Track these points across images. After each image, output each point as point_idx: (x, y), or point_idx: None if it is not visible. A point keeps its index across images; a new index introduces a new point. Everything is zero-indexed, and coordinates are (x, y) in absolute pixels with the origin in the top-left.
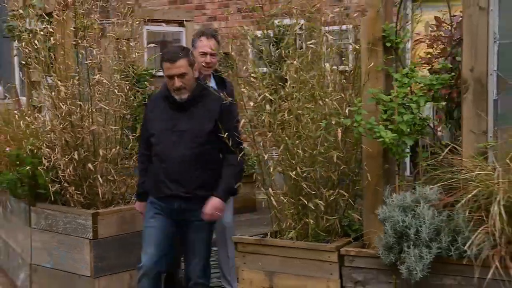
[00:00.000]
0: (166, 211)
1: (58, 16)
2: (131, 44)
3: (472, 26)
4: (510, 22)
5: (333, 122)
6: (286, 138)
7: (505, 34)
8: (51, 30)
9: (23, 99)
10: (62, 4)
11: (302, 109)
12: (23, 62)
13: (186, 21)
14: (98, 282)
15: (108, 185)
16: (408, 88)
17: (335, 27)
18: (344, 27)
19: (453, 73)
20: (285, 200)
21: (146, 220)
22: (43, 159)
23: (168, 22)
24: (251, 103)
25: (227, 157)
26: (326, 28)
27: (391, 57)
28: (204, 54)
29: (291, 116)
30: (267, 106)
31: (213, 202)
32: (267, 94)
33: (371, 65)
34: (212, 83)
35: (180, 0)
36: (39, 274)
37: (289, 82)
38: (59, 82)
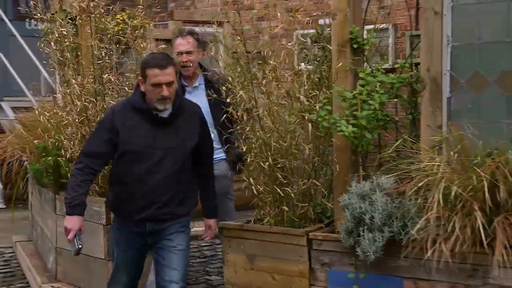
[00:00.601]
0: (138, 235)
1: (80, 20)
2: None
3: (428, 29)
4: (461, 26)
5: (306, 117)
6: (261, 131)
7: (457, 37)
8: (73, 32)
9: (59, 96)
10: (80, 8)
11: (277, 105)
12: (57, 61)
13: (225, 22)
14: (111, 265)
15: None
16: (373, 86)
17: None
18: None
19: (411, 73)
20: (261, 189)
21: (117, 245)
22: (64, 151)
23: (206, 23)
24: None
25: (207, 166)
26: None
27: (357, 57)
28: (180, 53)
29: (265, 112)
30: (242, 104)
31: (215, 226)
32: (241, 93)
33: (339, 65)
34: (201, 80)
35: (232, 1)
36: (63, 257)
37: (264, 81)
38: (73, 80)
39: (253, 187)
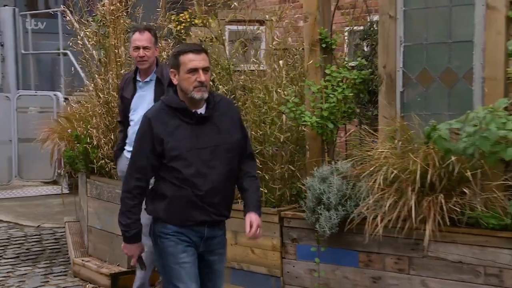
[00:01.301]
0: (194, 241)
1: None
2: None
3: (384, 31)
4: (411, 28)
5: (281, 109)
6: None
7: (408, 38)
8: (101, 33)
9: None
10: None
11: (257, 98)
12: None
13: (267, 20)
14: None
15: None
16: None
17: None
18: None
19: (370, 69)
20: None
21: (175, 255)
22: (91, 139)
23: (250, 22)
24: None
25: (250, 166)
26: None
27: (324, 56)
28: (137, 48)
29: (246, 104)
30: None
31: (259, 221)
32: (220, 86)
33: (310, 62)
34: (153, 76)
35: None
36: (93, 234)
37: (243, 77)
38: (96, 75)
39: None
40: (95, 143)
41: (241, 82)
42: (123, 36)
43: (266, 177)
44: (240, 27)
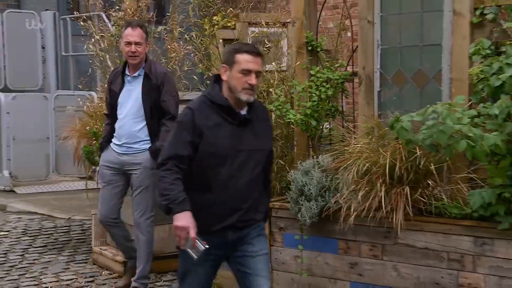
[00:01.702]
0: (217, 246)
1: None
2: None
3: (363, 35)
4: (387, 32)
5: (269, 107)
6: None
7: (385, 41)
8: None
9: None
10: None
11: None
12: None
13: (288, 22)
14: None
15: None
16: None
17: None
18: None
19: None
20: None
21: (190, 263)
22: None
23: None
24: None
25: (267, 186)
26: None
27: (310, 58)
28: (129, 43)
29: None
30: None
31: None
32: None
33: (297, 63)
34: (141, 72)
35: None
36: None
37: None
38: (107, 76)
39: None
40: None
41: None
42: None
43: None
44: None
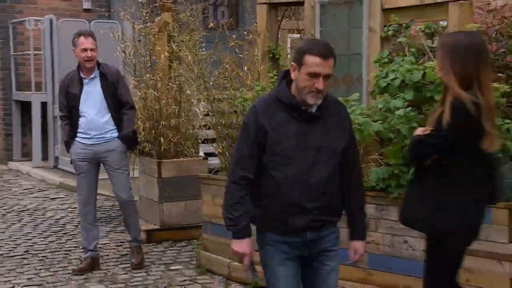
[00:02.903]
0: (296, 247)
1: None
2: None
3: None
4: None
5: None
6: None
7: None
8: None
9: None
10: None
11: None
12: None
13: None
14: (162, 206)
15: (169, 144)
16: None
17: None
18: None
19: None
20: (220, 150)
21: (272, 268)
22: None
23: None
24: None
25: (358, 180)
26: None
27: (270, 63)
28: (85, 50)
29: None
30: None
31: (363, 250)
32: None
33: (261, 68)
34: (97, 73)
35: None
36: (142, 201)
37: (212, 78)
38: (131, 76)
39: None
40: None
41: None
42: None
43: (227, 154)
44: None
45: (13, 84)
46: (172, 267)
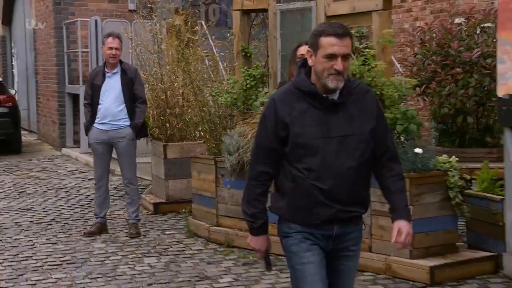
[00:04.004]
0: (321, 240)
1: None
2: None
3: (271, 46)
4: (284, 44)
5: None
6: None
7: (283, 50)
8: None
9: None
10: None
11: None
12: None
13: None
14: (167, 183)
15: (174, 129)
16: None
17: None
18: None
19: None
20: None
21: (298, 255)
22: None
23: None
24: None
25: (394, 163)
26: None
27: (243, 60)
28: (111, 48)
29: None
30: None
31: (408, 229)
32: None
33: (236, 64)
34: (118, 69)
35: None
36: (154, 179)
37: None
38: (141, 72)
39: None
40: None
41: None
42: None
43: (208, 136)
44: None
45: (66, 78)
46: (167, 232)
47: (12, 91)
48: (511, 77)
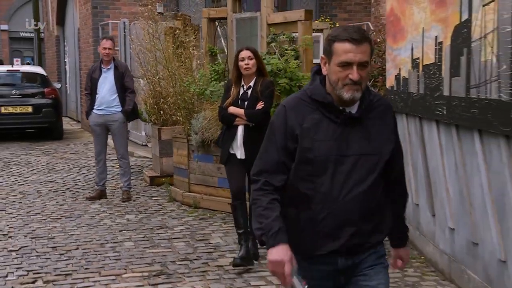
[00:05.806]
0: (324, 276)
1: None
2: None
3: (230, 47)
4: (239, 46)
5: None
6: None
7: None
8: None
9: None
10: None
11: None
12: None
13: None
14: (161, 159)
15: (167, 115)
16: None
17: None
18: None
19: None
20: (180, 117)
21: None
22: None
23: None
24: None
25: (403, 187)
26: None
27: (210, 58)
28: (105, 48)
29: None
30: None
31: (407, 258)
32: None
33: (204, 61)
34: (112, 66)
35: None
36: (153, 157)
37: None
38: (139, 67)
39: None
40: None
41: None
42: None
43: (183, 119)
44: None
45: None
46: (154, 198)
47: (57, 85)
48: (391, 74)
